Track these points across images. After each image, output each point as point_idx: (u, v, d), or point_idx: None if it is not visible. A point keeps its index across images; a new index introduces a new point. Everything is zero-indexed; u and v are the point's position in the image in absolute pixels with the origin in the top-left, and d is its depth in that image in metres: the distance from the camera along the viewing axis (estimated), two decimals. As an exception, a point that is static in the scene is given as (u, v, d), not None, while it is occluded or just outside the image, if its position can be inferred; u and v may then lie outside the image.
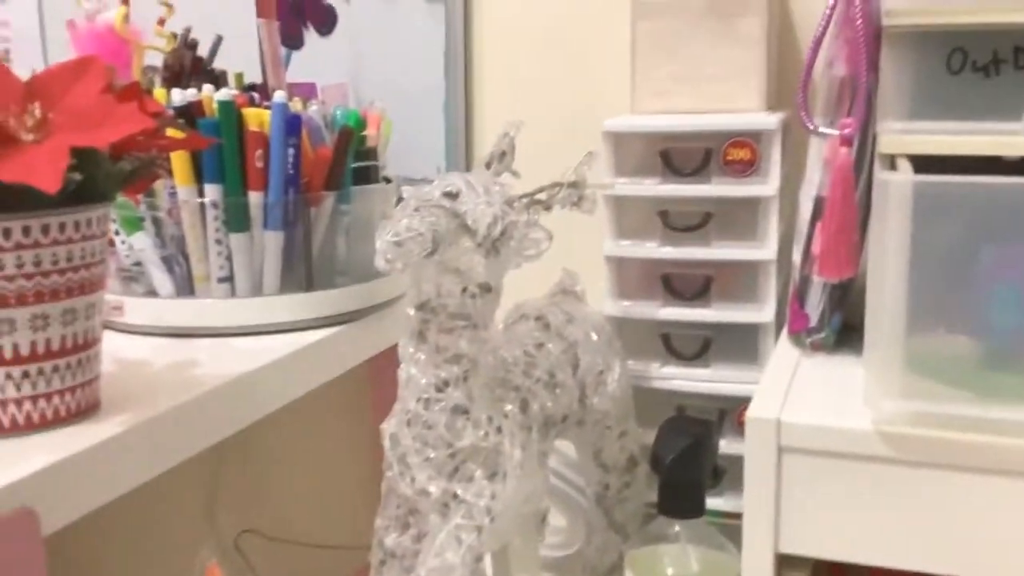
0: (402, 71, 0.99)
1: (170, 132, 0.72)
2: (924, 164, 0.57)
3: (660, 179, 0.78)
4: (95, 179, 0.55)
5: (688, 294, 0.79)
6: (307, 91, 0.97)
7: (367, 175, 0.85)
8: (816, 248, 0.60)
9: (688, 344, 0.80)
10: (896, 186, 0.48)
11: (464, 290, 0.62)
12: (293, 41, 1.01)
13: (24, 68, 0.59)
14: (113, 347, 0.75)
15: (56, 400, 0.56)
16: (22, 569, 0.50)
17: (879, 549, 0.51)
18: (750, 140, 0.76)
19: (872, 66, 0.57)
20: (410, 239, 0.58)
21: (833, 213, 0.58)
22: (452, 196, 0.61)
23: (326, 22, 1.01)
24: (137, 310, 0.78)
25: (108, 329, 0.79)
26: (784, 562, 0.54)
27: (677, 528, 0.70)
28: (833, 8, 0.59)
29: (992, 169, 0.52)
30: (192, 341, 0.76)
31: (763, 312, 0.77)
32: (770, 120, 0.75)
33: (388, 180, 0.89)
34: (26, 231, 0.52)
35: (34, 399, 0.55)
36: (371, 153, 0.85)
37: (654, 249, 0.79)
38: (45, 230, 0.53)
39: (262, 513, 0.95)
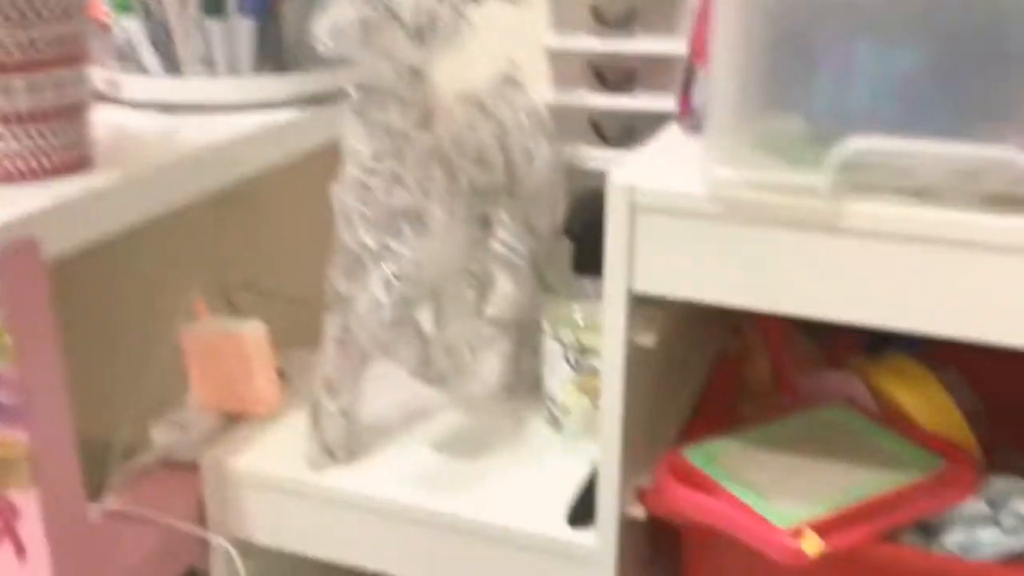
0: None
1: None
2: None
3: (593, -24, 0.86)
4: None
5: (615, 84, 0.88)
6: None
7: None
8: (695, 40, 0.69)
9: (615, 129, 0.90)
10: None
11: (396, 73, 0.72)
12: None
13: None
14: (110, 117, 0.87)
15: (53, 155, 0.68)
16: (27, 289, 0.63)
17: (711, 289, 0.63)
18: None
19: None
20: (342, 27, 0.67)
21: (705, 6, 0.66)
22: (386, -11, 0.70)
23: None
24: (131, 85, 0.89)
25: (107, 102, 0.91)
26: (641, 302, 0.67)
27: (587, 285, 0.82)
28: None
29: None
30: (179, 115, 0.88)
31: (680, 102, 0.86)
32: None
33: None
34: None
35: (34, 153, 0.67)
36: (340, -54, 0.93)
37: (587, 41, 0.88)
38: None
39: (257, 270, 1.09)
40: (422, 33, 0.70)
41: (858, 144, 0.56)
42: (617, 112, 0.90)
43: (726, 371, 0.89)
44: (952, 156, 0.55)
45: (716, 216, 0.61)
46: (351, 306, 0.78)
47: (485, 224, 0.96)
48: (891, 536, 0.66)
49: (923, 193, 0.57)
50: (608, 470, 0.69)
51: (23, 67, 0.65)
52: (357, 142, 0.73)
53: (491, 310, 1.04)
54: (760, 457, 0.73)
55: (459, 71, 0.81)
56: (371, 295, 0.73)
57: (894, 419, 0.77)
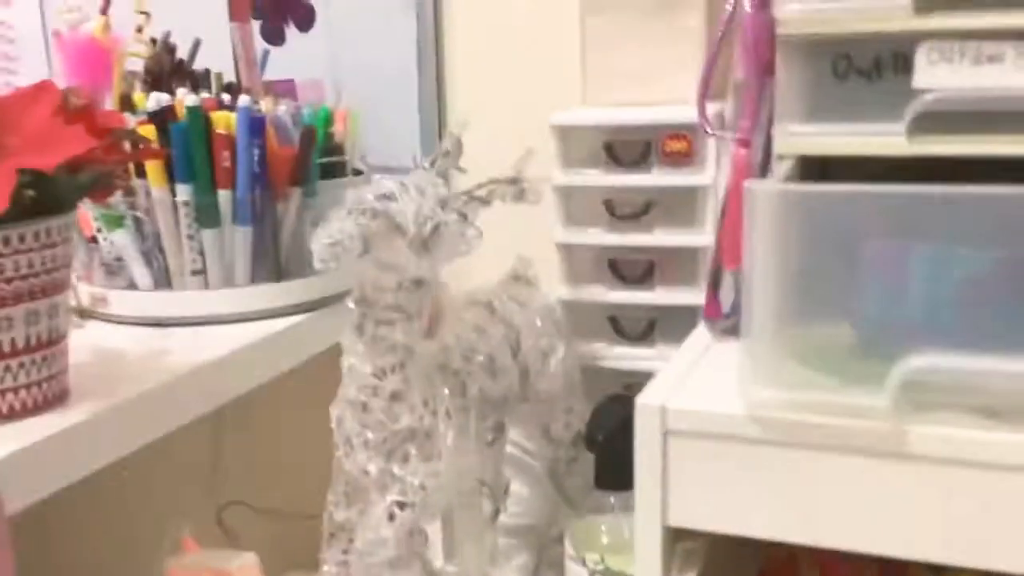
0: (377, 65, 1.03)
1: (142, 132, 0.79)
2: (816, 163, 0.60)
3: (604, 170, 0.82)
4: (49, 194, 0.61)
5: (632, 278, 0.83)
6: (286, 88, 1.03)
7: (335, 169, 0.90)
8: (722, 239, 0.64)
9: (634, 325, 0.84)
10: (758, 195, 0.52)
11: (399, 285, 0.67)
12: (276, 38, 1.06)
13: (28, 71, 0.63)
14: (96, 336, 0.82)
15: (23, 393, 0.62)
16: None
17: (757, 523, 0.55)
18: (687, 132, 0.79)
19: (766, 70, 0.61)
20: (341, 241, 0.63)
21: (733, 208, 0.62)
22: (387, 198, 0.66)
23: (306, 19, 1.05)
24: (119, 302, 0.84)
25: (94, 319, 0.86)
26: (678, 535, 0.59)
27: (612, 500, 0.74)
28: (733, 12, 0.62)
29: (881, 165, 0.56)
30: (169, 330, 0.83)
31: (703, 295, 0.81)
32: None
33: (358, 172, 0.94)
34: (-12, 243, 0.58)
35: (2, 393, 0.61)
36: (338, 148, 0.90)
37: (600, 236, 0.83)
38: (6, 241, 0.59)
39: (246, 488, 1.02)
40: (425, 242, 0.66)
41: (920, 362, 0.50)
42: (636, 307, 0.84)
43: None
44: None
45: (758, 440, 0.54)
46: (351, 536, 0.71)
47: (499, 430, 0.89)
48: None
49: (994, 412, 0.50)
50: None
51: (-9, 303, 0.60)
52: (357, 360, 0.67)
53: (506, 518, 0.96)
54: None
55: (468, 270, 0.76)
56: (375, 531, 0.66)
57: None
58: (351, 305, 0.68)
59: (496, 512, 0.94)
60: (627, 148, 0.81)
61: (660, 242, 0.81)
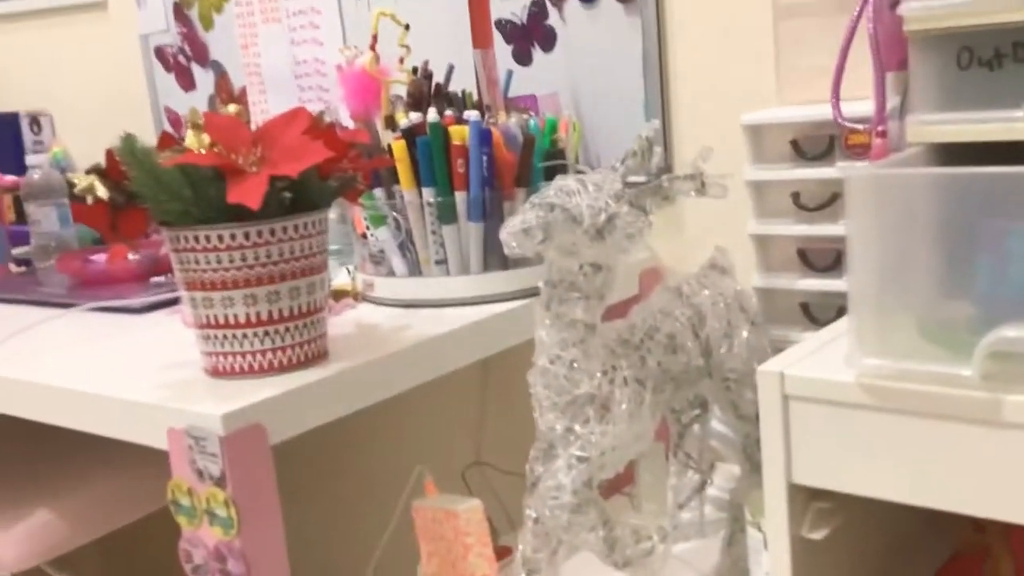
0: (607, 77, 1.14)
1: (395, 146, 0.95)
2: (945, 149, 0.64)
3: (791, 164, 0.87)
4: (305, 197, 0.78)
5: (822, 266, 0.88)
6: (528, 102, 1.16)
7: (558, 171, 1.02)
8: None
9: (824, 311, 0.89)
10: (852, 180, 0.57)
11: (579, 268, 0.77)
12: (524, 59, 1.20)
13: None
14: (362, 315, 1.00)
15: (289, 352, 0.80)
16: (255, 469, 0.74)
17: (869, 483, 0.60)
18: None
19: (899, 66, 0.65)
20: (526, 230, 0.74)
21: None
22: (566, 193, 0.76)
23: (548, 40, 1.18)
24: (382, 287, 1.02)
25: (364, 301, 1.04)
26: (814, 495, 0.64)
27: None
28: (860, 10, 0.67)
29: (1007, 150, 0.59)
30: (419, 311, 0.99)
31: (889, 282, 0.84)
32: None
33: (581, 173, 1.05)
34: (259, 233, 0.77)
35: (273, 351, 0.80)
36: (561, 153, 1.02)
37: (790, 227, 0.88)
38: (272, 232, 0.77)
39: (490, 448, 1.15)
40: (600, 232, 0.76)
41: (1008, 333, 0.53)
42: (826, 293, 0.88)
43: (959, 570, 0.81)
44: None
45: (864, 406, 0.59)
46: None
47: (703, 405, 0.97)
48: None
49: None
50: (784, 670, 0.66)
51: (262, 280, 0.78)
52: (544, 333, 0.79)
53: (714, 491, 1.03)
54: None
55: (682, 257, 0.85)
56: (555, 478, 0.77)
57: None
58: (541, 285, 0.79)
59: (703, 484, 1.01)
60: (812, 143, 0.86)
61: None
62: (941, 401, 0.56)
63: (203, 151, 0.76)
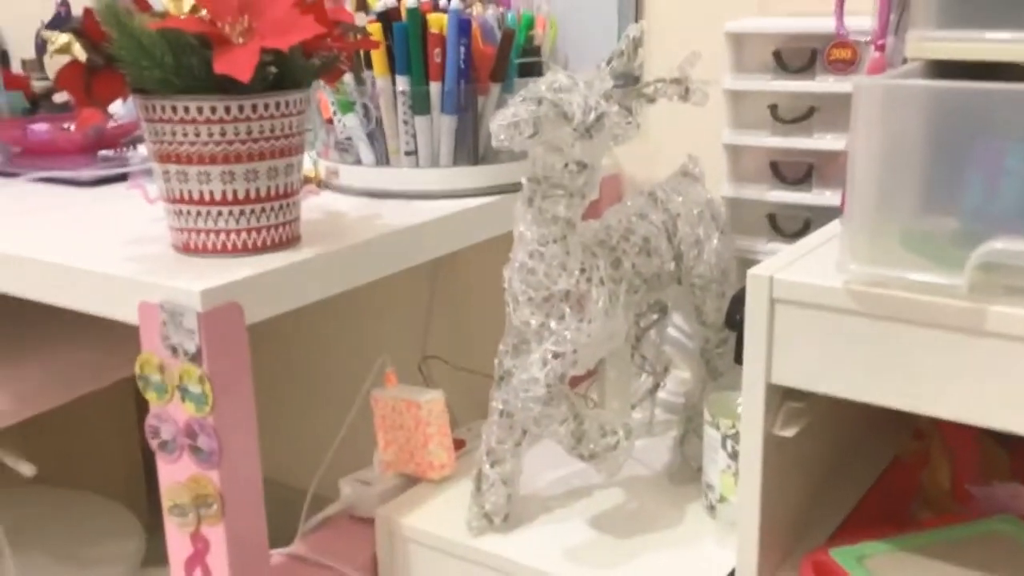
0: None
1: (370, 29, 0.93)
2: (939, 67, 0.65)
3: (771, 76, 0.88)
4: (288, 73, 0.76)
5: (792, 179, 0.89)
6: (500, -4, 1.14)
7: (533, 69, 1.01)
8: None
9: (791, 223, 0.91)
10: (863, 89, 0.58)
11: (565, 166, 0.77)
12: (497, -50, 1.17)
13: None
14: (326, 202, 0.98)
15: (264, 233, 0.79)
16: (232, 347, 0.73)
17: (850, 385, 0.62)
18: (852, 42, 0.84)
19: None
20: (515, 123, 0.74)
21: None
22: (558, 89, 0.76)
23: (523, -67, 1.15)
24: (348, 175, 1.00)
25: (327, 189, 1.03)
26: (786, 395, 0.67)
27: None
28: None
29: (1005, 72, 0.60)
30: (386, 201, 0.98)
31: (857, 198, 0.86)
32: (869, 22, 0.83)
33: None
34: (241, 108, 0.74)
35: (248, 231, 0.78)
36: (537, 50, 1.01)
37: (764, 138, 0.90)
38: (253, 108, 0.75)
39: (445, 343, 1.16)
40: (589, 130, 0.75)
41: (997, 245, 0.55)
42: (793, 206, 0.90)
43: (899, 475, 0.86)
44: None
45: (851, 311, 0.61)
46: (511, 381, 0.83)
47: (662, 310, 0.99)
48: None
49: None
50: (746, 558, 0.69)
51: (241, 157, 0.76)
52: (525, 228, 0.79)
53: (665, 395, 1.06)
54: (912, 563, 0.70)
55: (646, 165, 0.86)
56: (528, 372, 0.78)
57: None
58: (524, 181, 0.79)
59: (656, 386, 1.04)
60: (794, 55, 0.87)
61: (819, 146, 0.87)
62: (926, 308, 0.58)
63: (183, 17, 0.73)
